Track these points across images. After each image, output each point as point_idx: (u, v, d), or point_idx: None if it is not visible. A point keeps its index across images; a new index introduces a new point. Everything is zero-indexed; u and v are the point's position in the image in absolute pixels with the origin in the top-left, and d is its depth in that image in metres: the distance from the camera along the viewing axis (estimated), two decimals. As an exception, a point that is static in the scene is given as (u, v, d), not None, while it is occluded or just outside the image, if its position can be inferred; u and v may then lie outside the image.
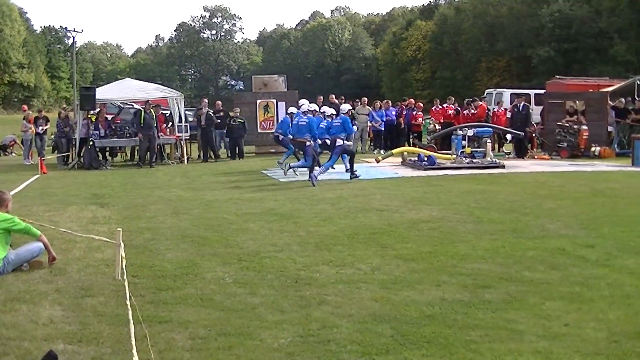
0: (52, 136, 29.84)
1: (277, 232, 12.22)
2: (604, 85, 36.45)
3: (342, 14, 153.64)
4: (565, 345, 6.63)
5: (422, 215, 13.71)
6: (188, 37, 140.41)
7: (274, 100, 30.50)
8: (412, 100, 34.24)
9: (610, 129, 28.94)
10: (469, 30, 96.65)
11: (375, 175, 21.27)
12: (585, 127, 27.28)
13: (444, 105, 31.87)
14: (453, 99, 33.04)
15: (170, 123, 29.14)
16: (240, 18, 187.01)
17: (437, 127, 30.22)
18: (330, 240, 11.49)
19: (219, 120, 28.69)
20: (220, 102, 31.66)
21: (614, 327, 7.12)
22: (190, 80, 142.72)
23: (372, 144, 31.75)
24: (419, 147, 29.18)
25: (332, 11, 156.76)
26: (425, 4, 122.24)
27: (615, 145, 28.32)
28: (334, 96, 31.47)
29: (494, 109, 30.92)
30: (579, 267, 9.51)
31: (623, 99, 30.21)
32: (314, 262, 9.97)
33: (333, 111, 21.41)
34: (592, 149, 27.15)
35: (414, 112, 31.88)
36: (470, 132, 24.18)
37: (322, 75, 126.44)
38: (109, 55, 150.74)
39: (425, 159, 23.22)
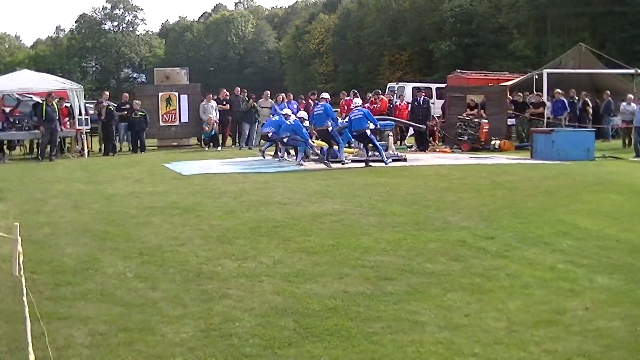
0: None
1: (179, 226, 12.10)
2: (504, 80, 37.23)
3: (246, 6, 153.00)
4: (466, 335, 6.73)
5: (325, 208, 13.73)
6: (89, 28, 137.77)
7: (176, 93, 30.23)
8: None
9: (510, 122, 29.50)
10: (371, 24, 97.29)
11: (278, 168, 21.26)
12: (485, 121, 27.75)
13: (347, 98, 31.97)
14: (347, 92, 33.16)
15: (72, 116, 28.58)
16: (142, 9, 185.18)
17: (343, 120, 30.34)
18: (232, 233, 11.42)
19: (125, 112, 28.28)
20: (127, 95, 31.15)
21: (514, 316, 7.25)
22: (91, 72, 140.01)
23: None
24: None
25: (235, 4, 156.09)
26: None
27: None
28: (238, 89, 31.32)
29: (395, 102, 31.22)
30: (480, 259, 9.67)
31: (521, 94, 30.89)
32: (216, 256, 9.90)
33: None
34: (492, 142, 27.64)
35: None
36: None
37: (225, 69, 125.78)
38: (6, 47, 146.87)
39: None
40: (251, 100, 30.00)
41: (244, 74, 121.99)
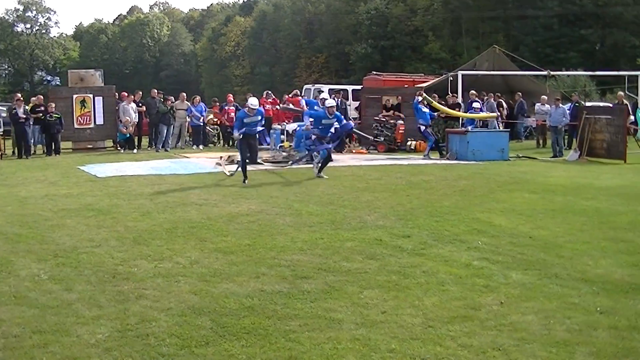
0: None
1: (95, 228, 11.94)
2: (419, 81, 37.53)
3: (161, 9, 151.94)
4: (383, 332, 6.78)
5: (241, 208, 13.70)
6: (1, 30, 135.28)
7: (91, 95, 29.75)
8: (230, 96, 34.15)
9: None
10: (287, 27, 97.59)
11: (194, 170, 21.11)
12: (401, 122, 27.97)
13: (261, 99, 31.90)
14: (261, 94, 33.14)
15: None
16: (55, 12, 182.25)
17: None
18: (148, 234, 11.32)
19: (40, 115, 27.72)
20: (42, 97, 30.55)
21: (429, 312, 7.34)
22: (4, 75, 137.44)
23: (190, 139, 31.43)
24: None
25: (150, 6, 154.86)
26: (244, 0, 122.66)
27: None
28: (155, 91, 31.03)
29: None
30: (396, 257, 9.75)
31: (437, 95, 31.20)
32: (132, 257, 9.81)
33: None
34: (408, 142, 27.87)
35: (227, 108, 31.75)
36: (289, 127, 24.39)
37: (141, 71, 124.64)
38: None
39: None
40: (168, 102, 29.74)
41: (160, 76, 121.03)
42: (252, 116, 18.14)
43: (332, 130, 19.75)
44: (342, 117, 20.50)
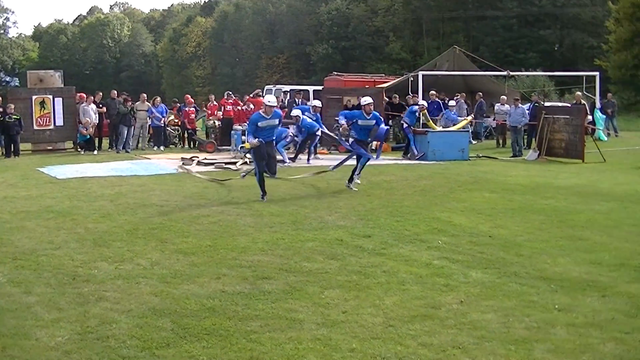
0: None
1: (54, 230, 11.85)
2: (380, 82, 37.69)
3: (122, 9, 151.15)
4: (344, 331, 6.81)
5: (202, 209, 13.68)
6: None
7: (51, 97, 29.49)
8: (188, 96, 34.04)
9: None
10: (249, 27, 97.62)
11: (155, 171, 21.04)
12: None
13: (209, 104, 31.78)
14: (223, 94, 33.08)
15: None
16: (13, 12, 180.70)
17: (217, 123, 30.30)
18: (109, 236, 11.26)
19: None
20: (0, 98, 30.22)
21: (390, 312, 7.38)
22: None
23: (151, 140, 31.26)
24: (199, 143, 29.28)
25: (111, 7, 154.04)
26: (205, 1, 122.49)
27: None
28: (115, 92, 30.84)
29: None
30: (357, 257, 9.79)
31: (397, 95, 31.38)
32: (92, 259, 9.75)
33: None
34: (369, 143, 27.89)
35: (187, 109, 31.66)
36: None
37: (102, 72, 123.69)
38: None
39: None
40: (129, 103, 29.59)
41: (120, 77, 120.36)
42: (268, 119, 15.40)
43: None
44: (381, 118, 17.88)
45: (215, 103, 31.34)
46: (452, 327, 6.93)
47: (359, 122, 16.84)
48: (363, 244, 10.56)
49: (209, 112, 31.20)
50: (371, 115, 16.72)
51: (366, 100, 16.80)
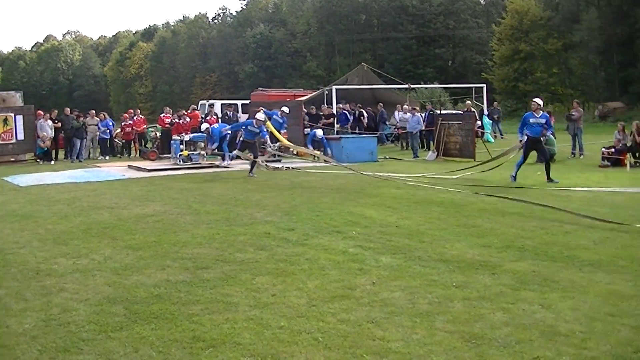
0: None
1: (19, 231, 11.60)
2: (299, 95, 37.81)
3: (73, 36, 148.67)
4: (273, 312, 6.83)
5: (148, 210, 13.55)
6: None
7: (12, 114, 28.89)
8: (131, 111, 33.61)
9: (306, 131, 29.79)
10: (184, 50, 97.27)
11: (105, 177, 20.75)
12: (284, 131, 27.97)
13: (161, 115, 31.49)
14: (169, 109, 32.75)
15: None
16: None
17: (158, 134, 30.12)
18: (66, 235, 11.08)
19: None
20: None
21: (313, 293, 7.41)
22: None
23: (101, 151, 30.83)
24: (142, 152, 28.98)
25: (63, 35, 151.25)
26: (146, 28, 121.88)
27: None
28: (68, 110, 30.32)
29: (207, 117, 31.09)
30: (283, 247, 9.80)
31: (314, 107, 31.48)
32: (53, 256, 9.58)
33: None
34: (291, 149, 27.93)
35: (136, 118, 31.39)
36: (187, 138, 24.28)
37: (57, 92, 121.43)
38: None
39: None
40: (81, 118, 29.28)
41: (73, 96, 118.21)
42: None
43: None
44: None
45: (168, 114, 30.92)
46: (366, 305, 6.99)
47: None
48: (288, 236, 10.58)
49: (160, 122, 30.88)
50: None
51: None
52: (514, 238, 10.16)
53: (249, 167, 20.28)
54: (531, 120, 17.36)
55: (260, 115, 20.49)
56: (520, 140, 17.73)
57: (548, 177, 17.15)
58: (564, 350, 5.66)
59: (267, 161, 21.73)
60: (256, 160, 20.20)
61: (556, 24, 61.63)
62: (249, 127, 20.27)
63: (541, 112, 17.55)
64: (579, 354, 5.57)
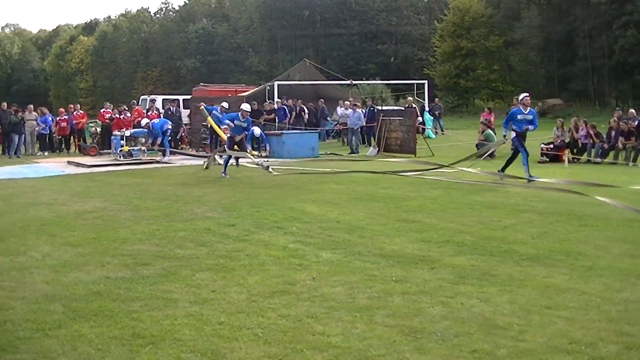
0: None
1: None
2: (242, 91, 37.66)
3: (12, 29, 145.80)
4: (214, 307, 6.83)
5: (87, 206, 13.39)
6: None
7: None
8: (71, 106, 33.12)
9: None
10: (125, 45, 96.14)
11: (44, 173, 20.42)
12: (225, 127, 27.83)
13: (101, 110, 31.07)
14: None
15: None
16: None
17: (98, 129, 29.81)
18: (4, 232, 10.88)
19: None
20: None
21: (253, 289, 7.43)
22: None
23: (40, 147, 30.36)
24: (82, 147, 28.61)
25: (2, 27, 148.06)
26: (87, 22, 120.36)
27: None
28: (5, 104, 29.71)
29: (148, 112, 30.87)
30: (223, 243, 9.79)
31: (256, 102, 31.43)
32: (-11, 253, 9.46)
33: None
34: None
35: (75, 114, 31.02)
36: (127, 133, 24.09)
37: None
38: None
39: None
40: (19, 113, 28.78)
41: (11, 91, 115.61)
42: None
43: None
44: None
45: (108, 110, 30.51)
46: (306, 300, 7.03)
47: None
48: (228, 232, 10.57)
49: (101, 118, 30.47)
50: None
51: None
52: (453, 233, 10.29)
53: (191, 163, 20.17)
54: (519, 116, 16.94)
55: (246, 106, 19.75)
56: (504, 136, 17.64)
57: (503, 169, 17.22)
58: (502, 342, 5.77)
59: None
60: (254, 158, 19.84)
61: (497, 22, 62.44)
62: (235, 122, 18.98)
63: (529, 108, 17.25)
64: (516, 346, 5.68)
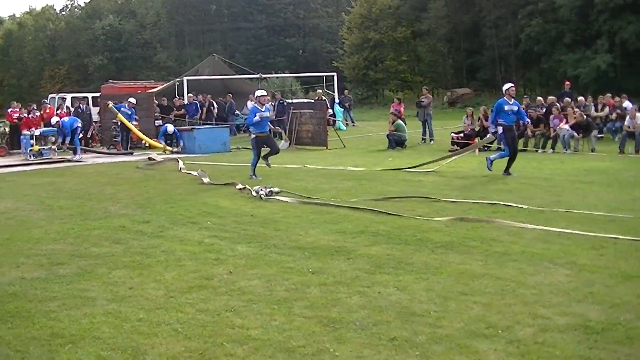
0: None
1: None
2: (151, 87, 37.23)
3: None
4: (132, 304, 6.78)
5: (-3, 207, 13.12)
6: None
7: None
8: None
9: (157, 123, 29.34)
10: (31, 43, 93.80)
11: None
12: (136, 123, 27.52)
13: (8, 110, 30.27)
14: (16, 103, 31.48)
15: None
16: None
17: (7, 129, 29.03)
18: None
19: None
20: None
21: (170, 285, 7.40)
22: None
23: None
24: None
25: None
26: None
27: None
28: None
29: (58, 110, 30.23)
30: (138, 240, 9.72)
31: (166, 98, 31.21)
32: None
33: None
34: (143, 141, 27.55)
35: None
36: (37, 132, 23.61)
37: None
38: None
39: None
40: None
41: None
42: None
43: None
44: None
45: (16, 109, 29.73)
46: (224, 294, 7.04)
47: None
48: (143, 229, 10.50)
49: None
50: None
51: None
52: (368, 223, 10.42)
53: (103, 161, 19.88)
54: (506, 107, 16.01)
55: (260, 92, 17.28)
56: (494, 132, 16.83)
57: (506, 170, 15.95)
58: (420, 329, 5.88)
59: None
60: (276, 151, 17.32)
61: (405, 13, 63.19)
62: (258, 115, 16.39)
63: (512, 99, 16.26)
64: (434, 332, 5.80)
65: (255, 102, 16.99)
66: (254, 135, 16.67)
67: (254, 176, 16.12)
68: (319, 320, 6.20)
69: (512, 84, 17.03)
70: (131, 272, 8.01)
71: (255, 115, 16.32)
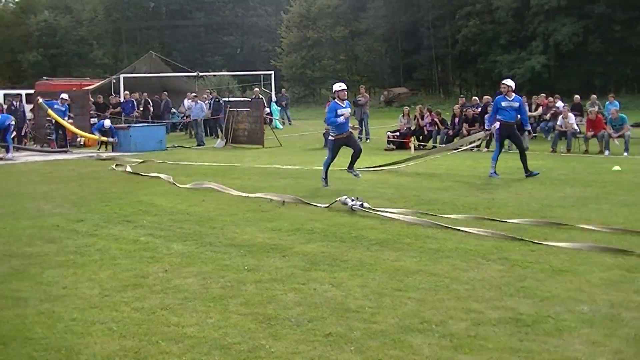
0: None
1: None
2: (86, 84, 36.70)
3: None
4: (65, 304, 6.67)
5: None
6: None
7: None
8: None
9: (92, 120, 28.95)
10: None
11: None
12: (71, 120, 27.16)
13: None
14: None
15: None
16: None
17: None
18: None
19: None
20: None
21: (105, 284, 7.31)
22: None
23: None
24: None
25: None
26: None
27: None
28: None
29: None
30: (72, 239, 9.58)
31: (102, 96, 30.86)
32: None
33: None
34: (79, 139, 27.22)
35: None
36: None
37: None
38: None
39: None
40: None
41: None
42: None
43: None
44: None
45: None
46: (159, 292, 6.99)
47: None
48: (77, 228, 10.35)
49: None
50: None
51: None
52: (303, 221, 10.45)
53: (36, 159, 19.52)
54: (503, 103, 15.46)
55: (338, 85, 14.85)
56: (488, 129, 16.38)
57: (526, 170, 15.28)
58: (355, 325, 5.91)
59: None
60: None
61: (343, 12, 63.64)
62: (339, 112, 14.30)
63: (513, 94, 15.64)
64: (368, 328, 5.83)
65: (335, 99, 14.54)
66: (333, 138, 14.54)
67: (324, 182, 14.36)
68: (255, 317, 6.19)
69: (510, 80, 16.33)
70: (65, 271, 7.89)
71: (336, 114, 14.16)
